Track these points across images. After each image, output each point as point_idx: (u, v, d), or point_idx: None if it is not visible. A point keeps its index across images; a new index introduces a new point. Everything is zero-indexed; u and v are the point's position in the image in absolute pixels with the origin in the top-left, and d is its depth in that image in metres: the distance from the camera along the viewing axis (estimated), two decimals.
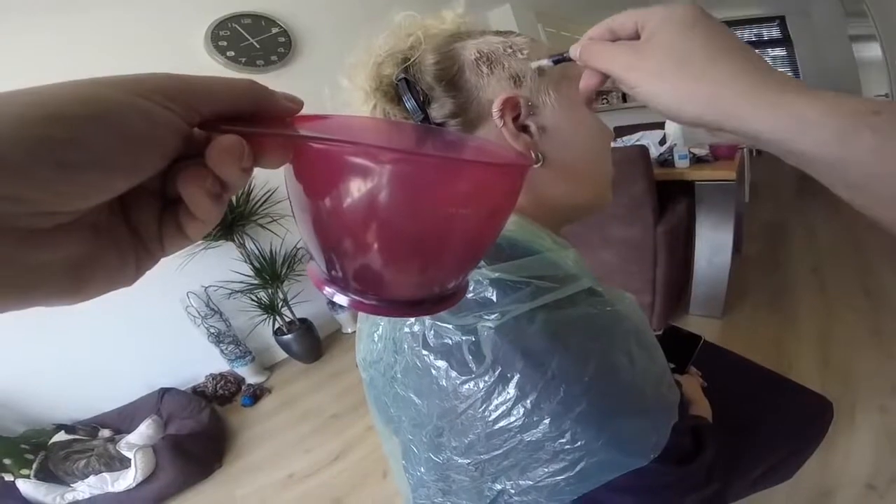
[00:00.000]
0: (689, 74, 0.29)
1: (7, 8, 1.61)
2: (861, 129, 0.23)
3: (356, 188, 0.20)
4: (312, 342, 2.37)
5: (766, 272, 2.31)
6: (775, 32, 4.75)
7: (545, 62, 0.44)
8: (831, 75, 4.18)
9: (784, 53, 4.76)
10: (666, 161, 1.87)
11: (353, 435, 1.78)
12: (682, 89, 0.29)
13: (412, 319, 0.45)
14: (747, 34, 4.87)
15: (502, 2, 3.28)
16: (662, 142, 1.96)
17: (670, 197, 1.85)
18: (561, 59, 0.41)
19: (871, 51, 3.57)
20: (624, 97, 4.05)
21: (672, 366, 0.74)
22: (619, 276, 1.86)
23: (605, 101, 3.96)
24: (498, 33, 0.50)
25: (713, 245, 1.84)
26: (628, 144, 1.93)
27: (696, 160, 1.83)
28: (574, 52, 0.37)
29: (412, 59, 0.47)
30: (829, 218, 2.83)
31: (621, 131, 2.22)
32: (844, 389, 1.44)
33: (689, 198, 1.84)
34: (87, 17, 1.77)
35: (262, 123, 0.20)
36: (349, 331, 2.62)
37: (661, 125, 2.03)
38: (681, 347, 0.82)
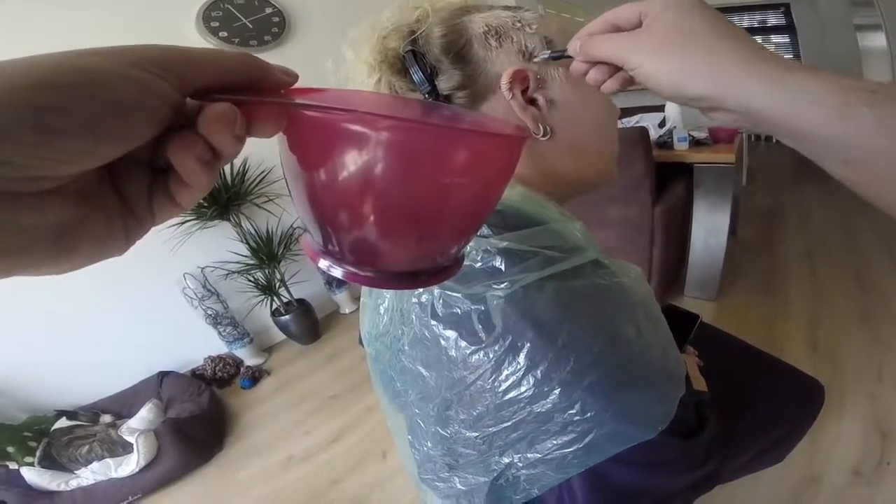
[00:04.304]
0: (692, 50, 0.30)
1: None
2: (860, 105, 0.24)
3: (350, 157, 0.20)
4: (310, 323, 2.36)
5: (760, 255, 2.33)
6: (779, 19, 4.71)
7: (546, 55, 0.44)
8: (833, 64, 4.12)
9: (787, 40, 4.73)
10: (665, 143, 1.87)
11: (352, 415, 1.80)
12: (685, 65, 0.30)
13: (420, 289, 0.45)
14: (750, 21, 4.83)
15: None
16: (662, 124, 1.96)
17: (668, 179, 1.86)
18: (560, 56, 0.41)
19: (876, 41, 3.53)
20: None
21: None
22: (616, 257, 1.86)
23: None
24: (506, 8, 0.50)
25: (709, 227, 1.86)
26: (628, 126, 1.93)
27: (695, 143, 1.83)
28: (573, 47, 0.37)
29: (419, 32, 0.46)
30: (824, 203, 2.86)
31: (621, 113, 2.21)
32: (833, 373, 1.47)
33: (688, 180, 1.85)
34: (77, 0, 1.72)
35: (257, 95, 0.20)
36: (347, 311, 2.62)
37: (661, 108, 2.03)
38: (678, 326, 0.83)
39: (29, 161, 0.14)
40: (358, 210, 0.22)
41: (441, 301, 0.43)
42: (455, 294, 0.41)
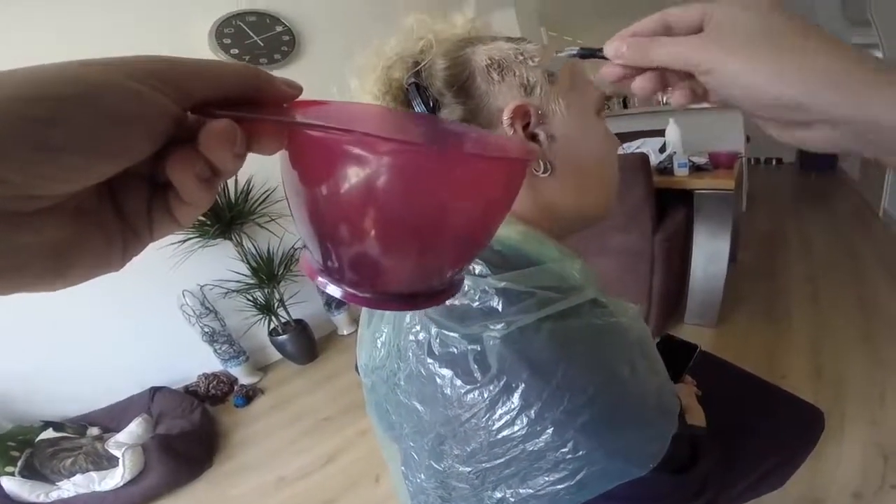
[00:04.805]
0: (780, 49, 0.25)
1: (6, 2, 1.60)
2: None
3: (351, 177, 0.20)
4: (307, 343, 2.35)
5: (760, 281, 2.32)
6: None
7: (573, 51, 0.38)
8: None
9: None
10: (665, 169, 1.88)
11: (345, 438, 1.78)
12: (774, 63, 0.25)
13: (418, 327, 0.45)
14: None
15: (507, 6, 3.28)
16: (662, 149, 1.97)
17: (669, 205, 1.86)
18: (592, 55, 0.35)
19: None
20: (625, 103, 4.00)
21: None
22: (616, 285, 1.86)
23: (606, 107, 3.95)
24: (509, 39, 0.50)
25: (710, 254, 1.85)
26: (629, 151, 1.94)
27: (696, 168, 1.83)
28: (612, 50, 0.32)
29: (423, 64, 0.47)
30: (824, 228, 2.86)
31: (622, 138, 2.22)
32: (836, 398, 1.46)
33: (688, 206, 1.85)
34: (88, 14, 1.75)
35: (259, 109, 0.20)
36: (345, 332, 2.60)
37: (661, 132, 2.04)
38: (676, 356, 0.82)
39: (26, 179, 0.14)
40: (358, 229, 0.21)
41: (438, 340, 0.42)
42: (452, 334, 0.41)
